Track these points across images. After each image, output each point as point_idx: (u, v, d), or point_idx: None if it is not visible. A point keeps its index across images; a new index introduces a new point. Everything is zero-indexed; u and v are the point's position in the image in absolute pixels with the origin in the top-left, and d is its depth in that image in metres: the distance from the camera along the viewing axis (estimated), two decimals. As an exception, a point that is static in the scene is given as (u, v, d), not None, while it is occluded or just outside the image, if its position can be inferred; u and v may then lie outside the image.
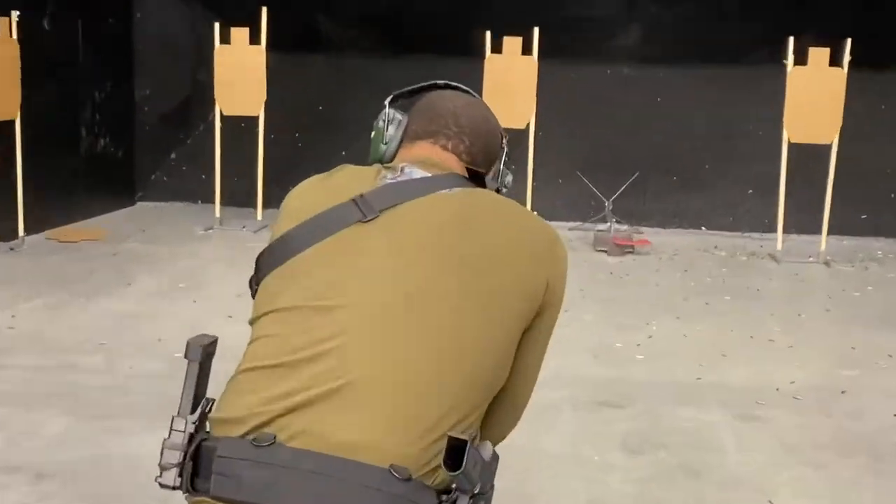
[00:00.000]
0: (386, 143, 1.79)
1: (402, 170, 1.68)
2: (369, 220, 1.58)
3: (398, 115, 1.81)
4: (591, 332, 5.50)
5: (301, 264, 1.57)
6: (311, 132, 8.85)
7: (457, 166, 1.73)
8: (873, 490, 3.69)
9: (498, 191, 1.81)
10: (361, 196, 1.61)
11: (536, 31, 7.69)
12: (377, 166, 1.71)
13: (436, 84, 1.86)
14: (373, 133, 1.81)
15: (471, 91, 1.85)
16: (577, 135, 8.64)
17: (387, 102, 1.84)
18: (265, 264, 1.62)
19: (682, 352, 5.31)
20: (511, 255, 1.59)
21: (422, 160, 1.70)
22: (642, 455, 3.93)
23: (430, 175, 1.67)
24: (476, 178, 1.76)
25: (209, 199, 8.32)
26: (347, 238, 1.57)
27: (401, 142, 1.78)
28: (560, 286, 1.65)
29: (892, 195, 8.53)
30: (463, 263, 1.56)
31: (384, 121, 1.80)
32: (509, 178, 1.85)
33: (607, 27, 8.70)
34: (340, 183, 1.67)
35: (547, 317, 1.64)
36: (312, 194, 1.66)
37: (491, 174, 1.80)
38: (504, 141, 1.83)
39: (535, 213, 1.80)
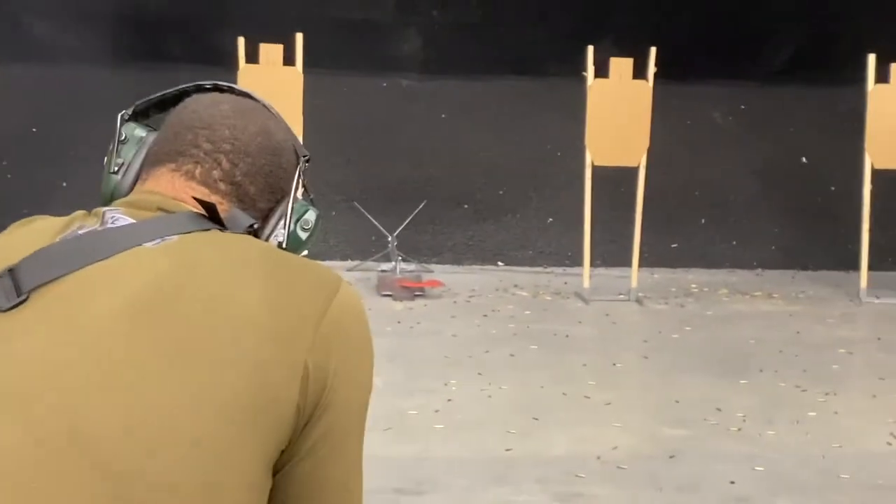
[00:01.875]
0: (116, 173, 1.48)
1: (104, 216, 1.33)
2: (11, 309, 1.22)
3: (139, 132, 1.51)
4: (378, 399, 5.20)
5: None
6: (23, 159, 8.20)
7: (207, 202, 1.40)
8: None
9: (290, 236, 1.47)
10: (11, 269, 1.24)
11: (300, 37, 7.44)
12: (83, 212, 1.35)
13: (200, 86, 1.53)
14: (105, 159, 1.50)
15: (251, 94, 1.52)
16: (351, 158, 8.45)
17: (121, 116, 1.52)
18: None
19: (489, 417, 5.18)
20: (237, 337, 1.22)
21: (139, 199, 1.38)
22: (450, 555, 3.71)
23: (132, 222, 1.32)
24: (238, 220, 1.41)
25: None
26: None
27: (141, 169, 1.46)
28: (347, 371, 1.27)
29: (703, 221, 8.80)
30: (153, 369, 1.18)
31: (116, 142, 1.50)
32: (310, 214, 1.49)
33: (382, 33, 8.57)
34: (13, 244, 1.30)
35: (334, 422, 1.26)
36: None
37: (278, 212, 1.45)
38: (303, 162, 1.49)
39: (314, 262, 1.39)
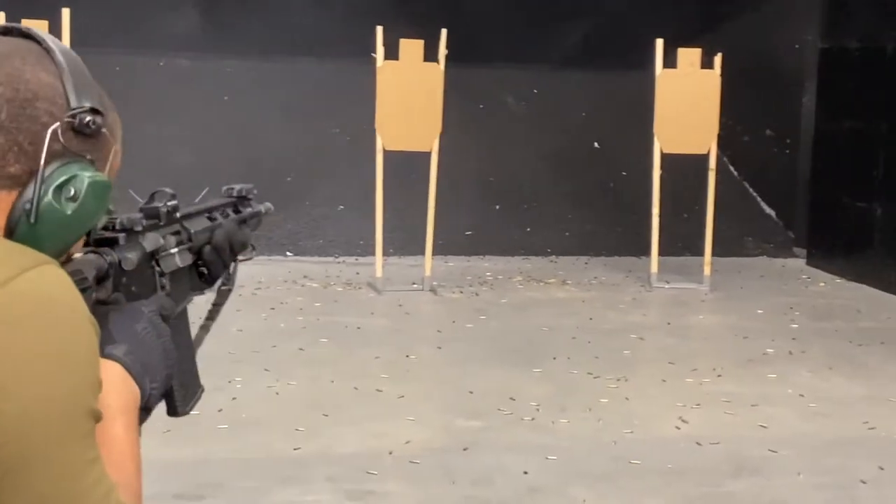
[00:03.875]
0: None
1: None
2: None
3: None
4: (158, 400, 5.14)
5: None
6: None
7: None
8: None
9: (41, 208, 1.23)
10: None
11: (66, 12, 7.17)
12: None
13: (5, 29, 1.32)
14: None
15: (32, 33, 1.30)
16: (125, 142, 8.20)
17: None
18: None
19: (276, 415, 5.12)
20: None
21: None
22: (235, 561, 3.66)
23: None
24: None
25: None
26: None
27: None
28: (15, 382, 1.10)
29: (497, 207, 8.96)
30: None
31: None
32: (79, 181, 1.24)
33: (157, 8, 8.36)
34: None
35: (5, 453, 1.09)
36: None
37: (37, 181, 1.23)
38: (70, 118, 1.25)
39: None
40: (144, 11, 8.23)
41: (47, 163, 1.23)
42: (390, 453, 4.69)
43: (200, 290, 1.67)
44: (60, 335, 1.15)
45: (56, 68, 1.27)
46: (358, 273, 8.20)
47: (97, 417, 1.18)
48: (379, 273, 7.84)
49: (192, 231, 1.59)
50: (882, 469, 4.69)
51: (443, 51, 7.69)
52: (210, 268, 1.63)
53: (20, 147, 1.22)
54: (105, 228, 1.39)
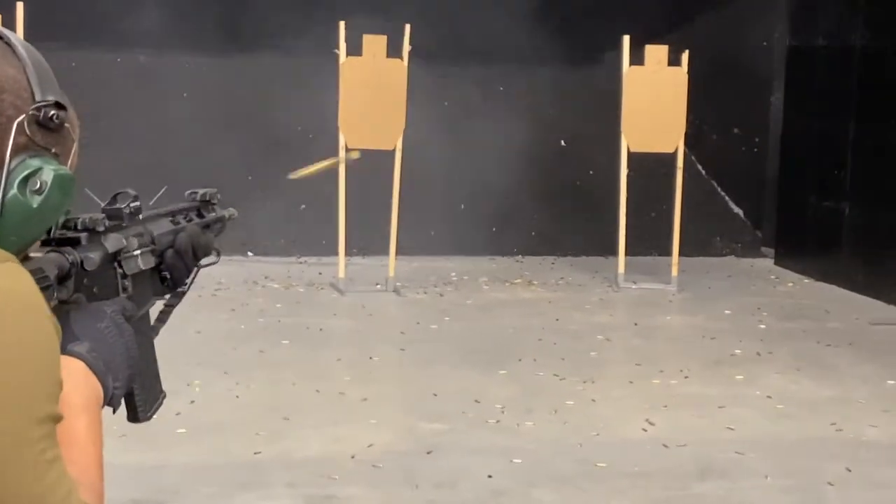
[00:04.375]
0: None
1: None
2: None
3: None
4: (114, 404, 5.10)
5: None
6: None
7: None
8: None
9: (6, 202, 1.22)
10: None
11: (20, 7, 7.11)
12: None
13: None
14: None
15: (5, 36, 1.29)
16: (89, 138, 8.12)
17: None
18: None
19: (236, 419, 5.10)
20: None
21: None
22: (193, 568, 3.64)
23: None
24: None
25: None
26: None
27: None
28: None
29: (463, 206, 8.95)
30: None
31: None
32: (46, 173, 1.24)
33: (114, 2, 8.27)
34: None
35: None
36: None
37: (3, 174, 1.23)
38: (35, 111, 1.25)
39: None
40: (101, 6, 8.14)
41: (12, 156, 1.22)
42: (352, 457, 4.68)
43: (162, 295, 1.66)
44: (19, 333, 1.12)
45: (19, 62, 1.26)
46: (320, 273, 8.18)
47: (57, 419, 1.15)
48: (342, 274, 7.82)
49: (155, 234, 1.58)
50: (849, 471, 4.72)
51: (406, 46, 7.68)
52: (172, 272, 1.63)
53: None
54: (66, 228, 1.38)
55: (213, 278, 7.81)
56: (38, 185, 1.24)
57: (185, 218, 1.73)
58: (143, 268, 1.52)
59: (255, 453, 4.69)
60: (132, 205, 1.50)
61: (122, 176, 8.14)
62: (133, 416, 1.49)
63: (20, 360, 1.11)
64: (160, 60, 8.43)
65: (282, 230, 8.67)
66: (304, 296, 7.66)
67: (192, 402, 5.27)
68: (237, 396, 5.42)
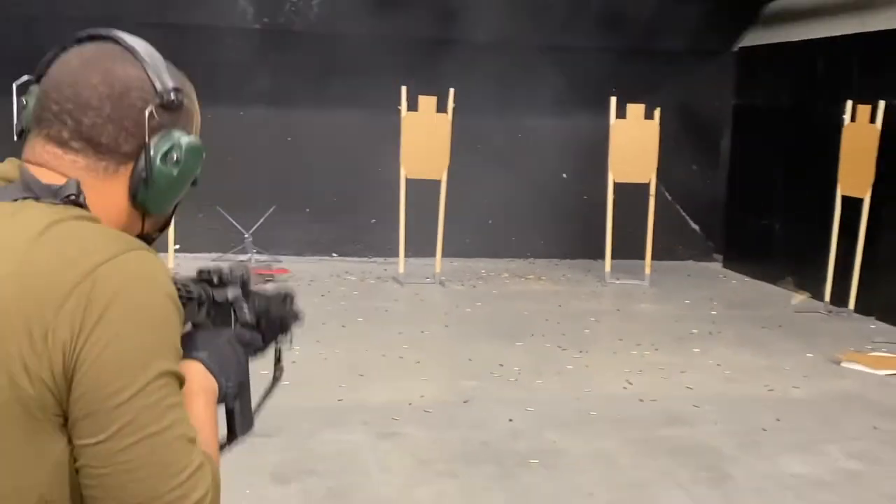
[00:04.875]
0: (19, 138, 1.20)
1: None
2: None
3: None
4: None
5: None
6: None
7: (61, 166, 1.14)
8: (503, 494, 3.69)
9: (153, 173, 1.17)
10: None
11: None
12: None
13: (79, 38, 1.20)
14: None
15: (113, 36, 1.19)
16: (214, 173, 8.17)
17: (15, 84, 1.22)
18: None
19: (324, 375, 5.12)
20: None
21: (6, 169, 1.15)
22: (292, 483, 3.65)
23: None
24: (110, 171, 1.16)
25: None
26: None
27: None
28: (105, 344, 1.02)
29: (490, 221, 8.94)
30: None
31: (17, 110, 1.20)
32: (179, 148, 1.18)
33: (240, 72, 8.32)
34: None
35: (95, 400, 1.01)
36: None
37: (147, 153, 1.16)
38: (163, 99, 1.17)
39: (96, 234, 1.10)
40: (228, 73, 8.17)
41: (150, 137, 1.17)
42: (409, 404, 4.69)
43: (254, 352, 1.42)
44: (146, 303, 1.06)
45: (138, 61, 1.18)
46: (386, 270, 8.20)
47: (177, 375, 1.07)
48: (401, 270, 7.83)
49: (257, 302, 1.43)
50: (778, 420, 4.68)
51: (451, 105, 7.68)
52: (265, 333, 1.45)
53: (127, 130, 1.15)
54: (204, 274, 1.33)
55: (308, 273, 7.86)
56: (175, 157, 1.18)
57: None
58: (250, 321, 1.39)
59: (338, 400, 4.72)
60: (244, 275, 1.39)
61: (244, 197, 8.20)
62: (231, 434, 1.34)
63: (144, 323, 1.05)
64: (271, 113, 8.47)
65: (358, 238, 8.69)
66: (374, 286, 7.67)
67: (294, 362, 5.24)
68: (325, 359, 5.44)
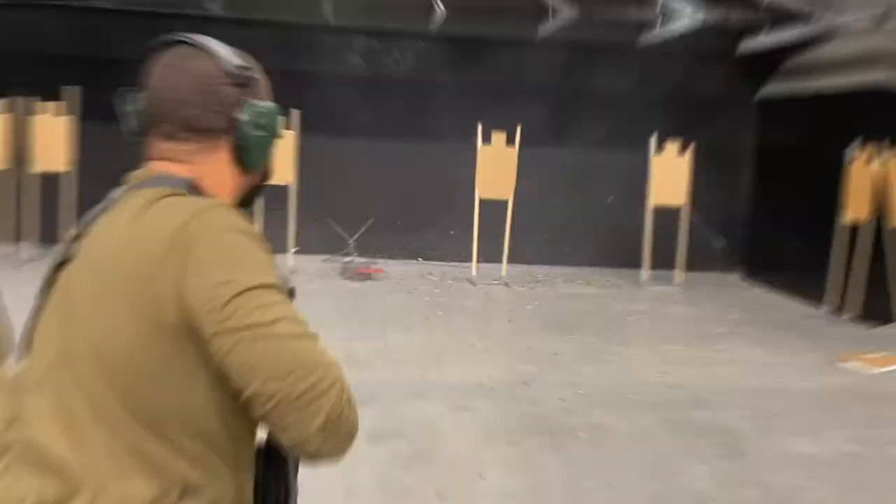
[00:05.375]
0: (133, 138, 1.20)
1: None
2: (65, 261, 1.12)
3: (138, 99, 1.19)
4: (339, 343, 5.19)
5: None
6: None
7: (178, 155, 1.15)
8: (553, 460, 3.66)
9: (247, 140, 1.17)
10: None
11: (297, 113, 7.31)
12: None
13: (167, 42, 1.19)
14: None
15: (186, 39, 1.18)
16: (328, 190, 8.33)
17: (123, 91, 1.20)
18: None
19: (410, 356, 5.14)
20: (117, 278, 1.04)
21: (133, 173, 1.18)
22: (384, 444, 3.68)
23: (112, 198, 1.15)
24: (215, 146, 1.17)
25: None
26: (55, 284, 1.13)
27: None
28: (203, 272, 1.02)
29: (546, 235, 8.87)
30: (83, 306, 1.06)
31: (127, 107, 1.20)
32: (260, 114, 1.18)
33: (350, 110, 8.44)
34: None
35: (204, 309, 1.01)
36: None
37: (238, 125, 1.17)
38: (235, 78, 1.17)
39: (197, 201, 1.10)
40: (345, 111, 8.26)
41: (235, 111, 1.17)
42: (479, 384, 4.68)
43: None
44: (232, 238, 1.06)
45: (208, 54, 1.17)
46: (461, 272, 8.20)
47: (291, 292, 1.07)
48: (474, 273, 7.83)
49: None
50: (788, 407, 4.53)
51: (518, 139, 7.67)
52: None
53: (215, 112, 1.16)
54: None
55: (399, 273, 7.91)
56: (261, 122, 1.18)
57: None
58: None
59: (421, 377, 4.74)
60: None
61: (348, 211, 8.29)
62: None
63: (228, 260, 1.04)
64: (372, 144, 8.56)
65: (438, 246, 8.71)
66: (452, 286, 7.68)
67: (385, 344, 5.33)
68: (411, 342, 5.46)
